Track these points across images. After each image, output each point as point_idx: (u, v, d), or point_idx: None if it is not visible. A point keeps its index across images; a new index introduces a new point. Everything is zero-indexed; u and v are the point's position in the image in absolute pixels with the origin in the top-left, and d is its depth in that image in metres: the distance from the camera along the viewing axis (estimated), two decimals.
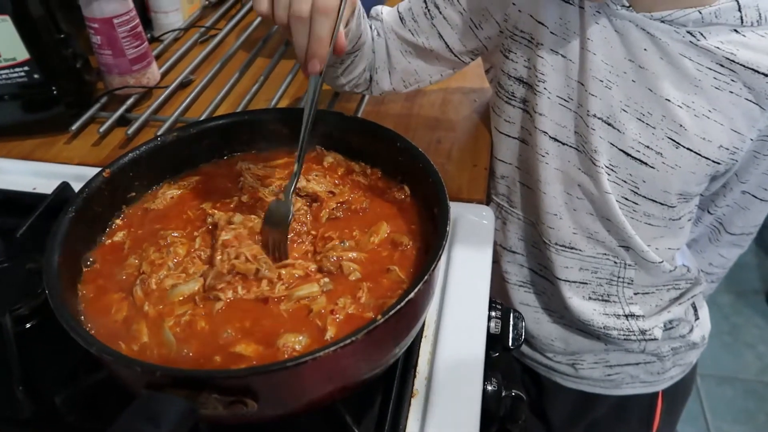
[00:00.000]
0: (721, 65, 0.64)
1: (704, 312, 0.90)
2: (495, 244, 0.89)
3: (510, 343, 0.69)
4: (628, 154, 0.71)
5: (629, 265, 0.80)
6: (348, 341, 0.41)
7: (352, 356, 0.44)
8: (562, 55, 0.70)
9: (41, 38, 0.83)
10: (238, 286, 0.52)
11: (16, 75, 0.83)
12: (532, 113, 0.75)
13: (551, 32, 0.69)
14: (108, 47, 0.88)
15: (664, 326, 0.84)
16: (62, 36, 0.87)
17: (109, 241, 0.59)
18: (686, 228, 0.79)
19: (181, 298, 0.52)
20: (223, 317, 0.51)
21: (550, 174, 0.76)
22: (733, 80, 0.64)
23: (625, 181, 0.73)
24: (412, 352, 0.58)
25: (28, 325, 0.62)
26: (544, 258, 0.83)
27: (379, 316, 0.43)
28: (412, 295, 0.44)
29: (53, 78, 0.86)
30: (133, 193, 0.62)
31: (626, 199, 0.74)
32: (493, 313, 0.70)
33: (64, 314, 0.44)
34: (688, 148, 0.68)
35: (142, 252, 0.56)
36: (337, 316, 0.50)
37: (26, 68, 0.83)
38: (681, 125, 0.67)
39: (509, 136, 0.80)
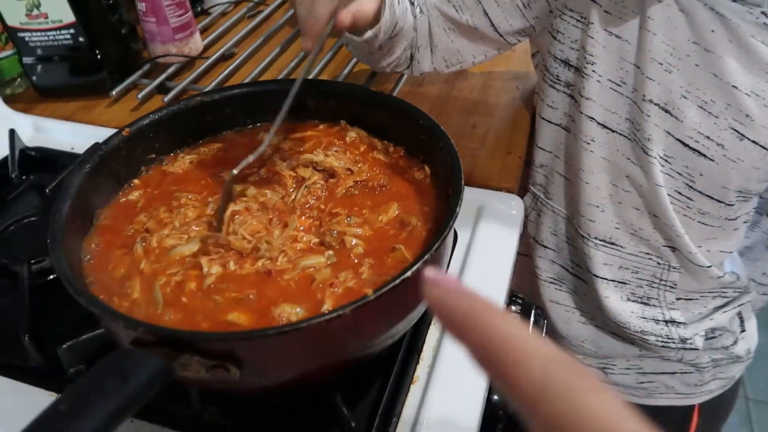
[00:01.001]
0: None
1: (752, 324, 0.84)
2: (528, 236, 0.86)
3: None
4: (685, 144, 0.65)
5: (674, 268, 0.74)
6: (335, 314, 0.39)
7: (338, 331, 0.42)
8: (617, 36, 0.65)
9: (88, 2, 0.84)
10: (230, 261, 0.50)
11: (62, 37, 0.85)
12: (578, 98, 0.70)
13: (605, 11, 0.65)
14: (152, 14, 0.89)
15: (706, 335, 0.78)
16: (110, 2, 0.88)
17: (124, 199, 0.59)
18: (741, 231, 0.73)
19: (178, 258, 0.52)
20: (218, 284, 0.50)
21: (595, 163, 0.72)
22: None
23: (680, 174, 0.67)
24: (418, 337, 0.56)
25: (50, 278, 0.63)
26: (579, 254, 0.79)
27: (371, 292, 0.41)
28: (408, 273, 0.42)
29: (98, 43, 0.87)
30: (153, 155, 0.62)
31: (679, 193, 0.68)
32: (513, 308, 0.67)
33: (60, 261, 0.44)
34: (753, 141, 0.62)
35: (152, 210, 0.56)
36: (336, 289, 0.48)
37: (72, 31, 0.85)
38: (747, 115, 0.61)
39: (551, 122, 0.76)
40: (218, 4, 1.13)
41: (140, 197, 0.59)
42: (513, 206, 0.70)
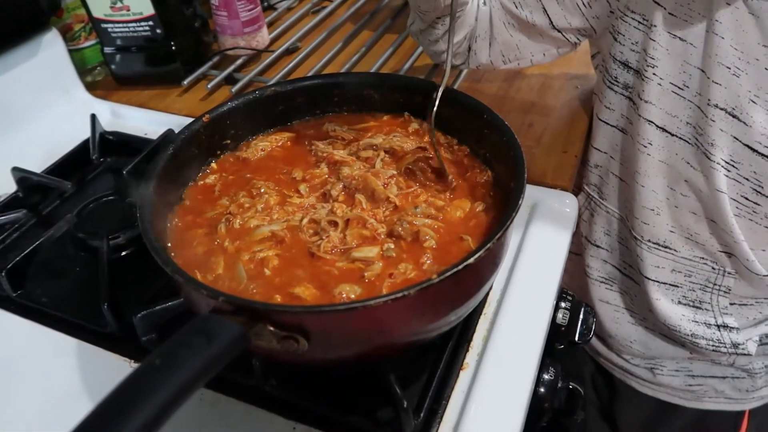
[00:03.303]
0: None
1: None
2: (580, 235, 0.86)
3: (576, 337, 0.67)
4: (753, 150, 0.64)
5: (729, 273, 0.74)
6: (400, 295, 0.42)
7: (403, 311, 0.45)
8: (681, 39, 0.65)
9: None
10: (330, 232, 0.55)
11: (141, 29, 0.91)
12: (637, 100, 0.70)
13: (670, 13, 0.65)
14: (224, 8, 0.94)
15: (760, 340, 0.77)
16: None
17: (202, 182, 0.63)
18: None
19: (260, 238, 0.55)
20: (290, 262, 0.53)
21: (652, 166, 0.71)
22: None
23: (747, 179, 0.66)
24: (469, 326, 0.58)
25: (123, 253, 0.68)
26: (632, 255, 0.78)
27: (435, 276, 0.43)
28: (471, 260, 0.44)
29: (173, 35, 0.92)
30: (228, 141, 0.66)
31: (746, 198, 0.68)
32: (563, 304, 0.68)
33: (148, 234, 0.48)
34: None
35: (234, 195, 0.60)
36: (394, 279, 0.50)
37: (150, 23, 0.90)
38: None
39: (608, 123, 0.76)
40: (284, 0, 1.17)
41: (216, 181, 0.63)
42: (567, 204, 0.71)
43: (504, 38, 0.77)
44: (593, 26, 0.73)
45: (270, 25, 1.10)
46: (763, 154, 0.64)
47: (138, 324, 0.56)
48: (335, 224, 0.55)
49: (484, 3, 0.77)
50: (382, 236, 0.55)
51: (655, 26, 0.66)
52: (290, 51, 1.02)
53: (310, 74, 0.94)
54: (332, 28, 1.07)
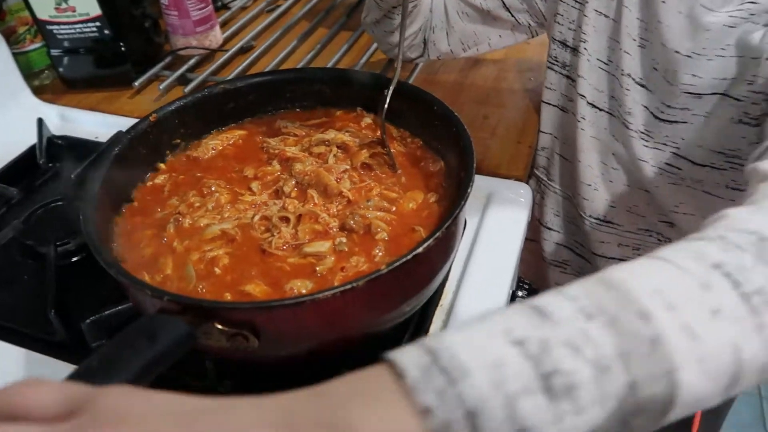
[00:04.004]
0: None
1: None
2: (534, 219, 0.87)
3: None
4: (656, 117, 0.67)
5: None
6: (348, 287, 0.42)
7: (353, 304, 0.44)
8: (604, 15, 0.68)
9: None
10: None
11: (88, 30, 0.88)
12: (574, 76, 0.72)
13: None
14: (174, 8, 0.92)
15: None
16: None
17: (151, 182, 0.62)
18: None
19: (210, 237, 0.54)
20: (242, 260, 0.52)
21: (586, 141, 0.74)
22: (752, 13, 0.58)
23: (665, 144, 0.68)
24: (425, 317, 0.58)
25: (74, 259, 0.66)
26: (581, 234, 0.80)
27: (384, 267, 0.43)
28: (420, 249, 0.44)
29: (122, 35, 0.90)
30: (178, 140, 0.65)
31: (670, 165, 0.69)
32: (520, 293, 0.69)
33: (90, 236, 0.47)
34: (711, 93, 0.63)
35: (183, 194, 0.59)
36: (346, 273, 0.50)
37: (98, 24, 0.88)
38: (694, 75, 0.62)
39: (550, 104, 0.79)
40: None
41: (166, 181, 0.62)
42: (521, 194, 0.71)
43: (461, 27, 0.79)
44: (541, 9, 0.75)
45: (224, 24, 1.08)
46: (664, 120, 0.66)
47: (87, 330, 0.55)
48: (287, 220, 0.55)
49: None
50: (335, 230, 0.55)
51: (586, 3, 0.68)
52: (244, 50, 1.01)
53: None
54: (287, 26, 1.06)
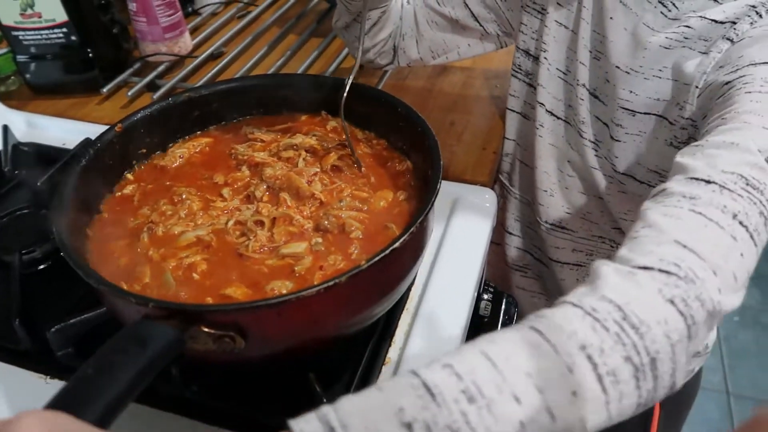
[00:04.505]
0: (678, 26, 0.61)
1: None
2: (498, 224, 0.89)
3: (499, 327, 0.69)
4: (607, 126, 0.69)
5: None
6: (331, 283, 0.43)
7: (335, 300, 0.46)
8: (565, 26, 0.70)
9: (80, 2, 0.87)
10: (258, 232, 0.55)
11: (55, 36, 0.88)
12: (535, 84, 0.74)
13: (557, 2, 0.70)
14: (142, 14, 0.92)
15: None
16: (102, 2, 0.91)
17: (119, 193, 0.62)
18: None
19: (186, 244, 0.55)
20: (219, 265, 0.53)
21: (544, 148, 0.76)
22: (686, 37, 0.61)
23: (606, 158, 0.71)
24: (391, 321, 0.59)
25: (40, 267, 0.66)
26: (538, 239, 0.82)
27: (363, 262, 0.44)
28: (397, 244, 0.46)
29: (90, 41, 0.90)
30: (144, 150, 0.65)
31: (611, 177, 0.71)
32: (486, 296, 0.70)
33: (67, 249, 0.47)
34: (644, 113, 0.65)
35: (154, 203, 0.59)
36: (325, 271, 0.52)
37: (64, 30, 0.87)
38: (632, 91, 0.65)
39: (513, 110, 0.81)
40: (208, 5, 1.15)
41: (134, 191, 0.62)
42: (486, 199, 0.73)
43: (430, 36, 0.80)
44: (508, 19, 0.77)
45: (194, 30, 1.08)
46: (609, 132, 0.68)
47: (52, 338, 0.55)
48: (261, 224, 0.56)
49: (408, 1, 0.79)
50: (310, 231, 0.56)
51: (547, 13, 0.70)
52: (215, 56, 1.01)
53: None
54: (257, 32, 1.07)
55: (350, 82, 0.62)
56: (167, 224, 0.57)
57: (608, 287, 0.37)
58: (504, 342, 0.35)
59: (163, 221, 0.57)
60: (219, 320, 0.42)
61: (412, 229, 0.47)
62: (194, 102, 0.67)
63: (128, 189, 0.62)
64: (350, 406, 0.32)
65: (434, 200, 0.51)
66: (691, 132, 0.62)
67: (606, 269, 0.39)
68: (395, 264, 0.50)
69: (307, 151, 0.64)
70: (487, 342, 0.35)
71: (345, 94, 0.62)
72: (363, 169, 0.62)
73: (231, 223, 0.57)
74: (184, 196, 0.60)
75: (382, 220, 0.57)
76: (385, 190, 0.60)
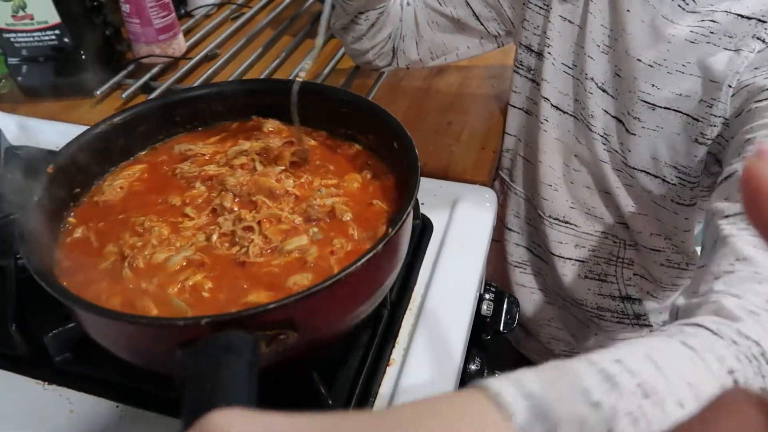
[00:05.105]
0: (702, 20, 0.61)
1: None
2: (498, 221, 0.89)
3: (501, 327, 0.69)
4: (619, 121, 0.69)
5: (629, 245, 0.78)
6: (371, 254, 0.44)
7: (375, 270, 0.47)
8: (570, 21, 0.70)
9: (72, 4, 0.86)
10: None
11: (47, 38, 0.87)
12: (539, 80, 0.75)
13: None
14: (136, 16, 0.91)
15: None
16: (95, 4, 0.90)
17: (70, 238, 0.56)
18: (692, 222, 0.74)
19: (177, 268, 0.52)
20: (224, 278, 0.51)
21: (549, 143, 0.76)
22: (711, 32, 0.61)
23: (616, 151, 0.71)
24: (394, 322, 0.59)
25: None
26: (539, 235, 0.82)
27: (390, 230, 0.47)
28: (409, 208, 0.49)
29: (82, 44, 0.89)
30: (78, 189, 0.60)
31: (620, 170, 0.72)
32: (487, 296, 0.70)
33: (83, 303, 0.44)
34: (665, 108, 0.65)
35: (118, 239, 0.55)
36: (338, 255, 0.52)
37: (57, 32, 0.86)
38: (653, 85, 0.65)
39: (515, 107, 0.81)
40: (202, 6, 1.15)
41: (85, 233, 0.57)
42: (486, 199, 0.73)
43: (430, 37, 0.80)
44: (510, 17, 0.77)
45: (187, 32, 1.07)
46: (622, 124, 0.68)
47: (50, 344, 0.54)
48: (252, 229, 0.55)
49: (408, 3, 0.79)
50: (302, 224, 0.55)
51: (551, 9, 0.71)
52: (209, 58, 1.01)
53: (230, 80, 0.92)
54: (251, 34, 1.06)
55: (298, 86, 0.61)
56: (144, 255, 0.53)
57: (744, 325, 0.38)
58: (664, 348, 0.36)
59: (136, 253, 0.53)
60: (276, 318, 0.41)
61: (415, 195, 0.49)
62: (118, 129, 0.62)
63: (78, 233, 0.56)
64: (537, 382, 0.31)
65: (419, 173, 0.52)
66: (721, 130, 0.62)
67: (730, 304, 0.39)
68: (404, 231, 0.52)
69: (258, 154, 0.63)
70: (646, 347, 0.35)
71: (295, 99, 0.61)
72: (318, 161, 0.62)
73: (215, 237, 0.55)
74: (147, 225, 0.56)
75: (363, 199, 0.58)
76: (350, 173, 0.61)
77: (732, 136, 0.60)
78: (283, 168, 0.61)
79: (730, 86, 0.59)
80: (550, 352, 0.91)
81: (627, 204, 0.73)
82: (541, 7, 0.72)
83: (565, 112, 0.74)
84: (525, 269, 0.88)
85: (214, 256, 0.53)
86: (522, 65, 0.77)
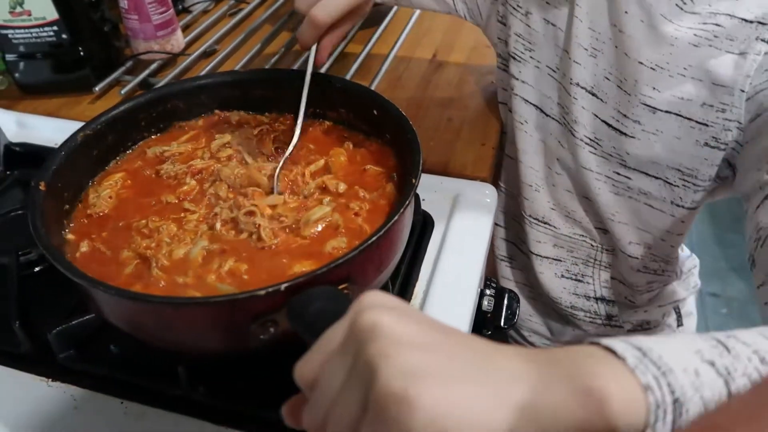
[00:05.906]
0: (704, 23, 0.61)
1: (691, 321, 0.87)
2: None
3: (502, 322, 0.69)
4: (609, 125, 0.69)
5: (607, 250, 0.78)
6: (407, 202, 0.49)
7: (406, 222, 0.53)
8: (552, 24, 0.70)
9: (70, 0, 0.86)
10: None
11: (45, 34, 0.86)
12: (512, 79, 0.75)
13: (546, 1, 0.69)
14: (134, 12, 0.91)
15: (641, 326, 0.82)
16: (93, 0, 0.90)
17: (78, 253, 0.55)
18: (686, 226, 0.73)
19: (200, 259, 0.53)
20: (254, 259, 0.53)
21: (531, 144, 0.76)
22: (715, 35, 0.60)
23: (611, 155, 0.70)
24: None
25: (36, 269, 0.64)
26: (522, 232, 0.83)
27: (414, 179, 0.51)
28: (421, 160, 0.53)
29: (80, 40, 0.89)
30: (67, 206, 0.59)
31: (617, 173, 0.71)
32: (488, 291, 0.70)
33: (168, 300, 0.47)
34: (666, 111, 0.64)
35: (131, 244, 0.55)
36: (362, 216, 0.55)
37: (55, 28, 0.86)
38: (654, 88, 0.64)
39: (501, 102, 0.81)
40: (199, 2, 1.14)
41: (91, 245, 0.56)
42: (487, 195, 0.73)
43: None
44: (479, 5, 0.78)
45: (185, 28, 1.07)
46: (615, 128, 0.68)
47: (53, 341, 0.54)
48: (253, 213, 0.55)
49: None
50: (316, 195, 0.58)
51: (531, 13, 0.71)
52: (207, 54, 1.00)
53: None
54: (250, 29, 1.06)
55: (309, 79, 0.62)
56: (163, 253, 0.53)
57: None
58: None
59: (154, 254, 0.53)
60: (341, 275, 0.44)
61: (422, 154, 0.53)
62: (90, 140, 0.61)
63: (84, 247, 0.56)
64: (645, 341, 0.30)
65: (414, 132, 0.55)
66: (736, 135, 0.61)
67: None
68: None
69: (240, 144, 0.65)
70: (759, 329, 0.34)
71: (306, 92, 0.62)
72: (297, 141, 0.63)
73: (218, 225, 0.55)
74: (151, 226, 0.56)
75: (354, 168, 0.61)
76: (333, 148, 0.63)
77: (747, 141, 0.60)
78: (273, 163, 0.62)
79: (742, 90, 0.58)
80: (531, 345, 0.92)
81: (607, 211, 0.73)
82: (520, 12, 0.72)
83: (548, 116, 0.73)
84: (512, 263, 0.89)
85: (229, 241, 0.54)
86: (504, 64, 0.77)
